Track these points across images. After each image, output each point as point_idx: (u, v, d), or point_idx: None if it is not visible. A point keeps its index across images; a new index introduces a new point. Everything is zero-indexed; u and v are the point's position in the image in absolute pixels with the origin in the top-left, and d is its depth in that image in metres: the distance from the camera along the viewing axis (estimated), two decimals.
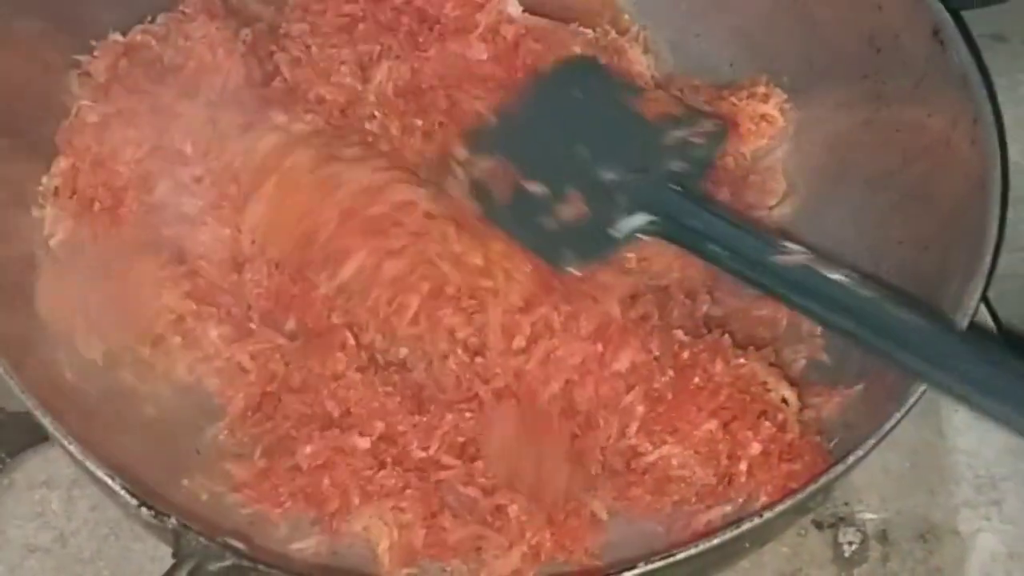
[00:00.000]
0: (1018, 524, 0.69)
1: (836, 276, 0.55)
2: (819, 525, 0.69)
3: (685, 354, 0.62)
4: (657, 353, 0.62)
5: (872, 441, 0.56)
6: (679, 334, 0.63)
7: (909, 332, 0.54)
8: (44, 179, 0.68)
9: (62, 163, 0.67)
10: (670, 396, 0.61)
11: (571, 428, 0.62)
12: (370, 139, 0.69)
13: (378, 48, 0.71)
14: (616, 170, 0.60)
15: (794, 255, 0.55)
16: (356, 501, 0.61)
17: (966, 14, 0.70)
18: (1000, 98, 0.67)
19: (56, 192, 0.67)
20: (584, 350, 0.62)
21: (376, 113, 0.70)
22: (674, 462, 0.61)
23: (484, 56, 0.71)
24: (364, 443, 0.61)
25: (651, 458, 0.62)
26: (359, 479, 0.61)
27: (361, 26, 0.72)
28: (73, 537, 0.66)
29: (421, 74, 0.71)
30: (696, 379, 0.61)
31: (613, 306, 0.63)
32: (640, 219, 0.60)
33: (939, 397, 0.71)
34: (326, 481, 0.61)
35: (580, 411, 0.63)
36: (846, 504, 0.70)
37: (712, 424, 0.61)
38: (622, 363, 0.62)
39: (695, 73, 0.78)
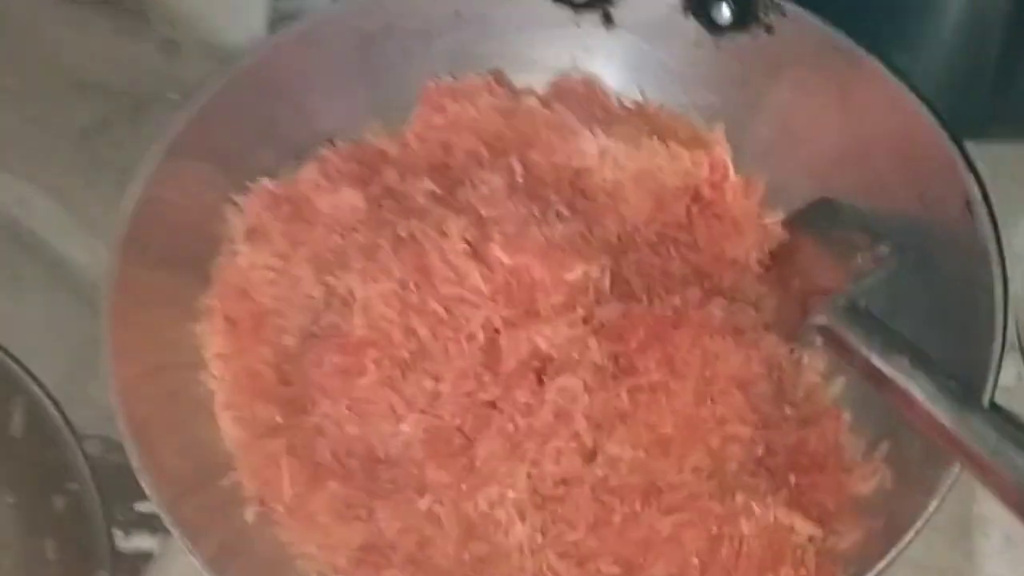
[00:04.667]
0: None
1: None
2: None
3: (713, 528, 0.63)
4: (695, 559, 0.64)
5: (881, 564, 0.61)
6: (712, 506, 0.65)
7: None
8: (201, 299, 0.81)
9: (215, 289, 0.81)
10: None
11: None
12: None
13: None
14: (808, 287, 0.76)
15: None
16: None
17: None
18: None
19: (209, 312, 0.81)
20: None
21: None
22: None
23: None
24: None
25: None
26: None
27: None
28: None
29: None
30: (724, 549, 0.63)
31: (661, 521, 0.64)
32: (818, 320, 0.73)
33: (970, 519, 0.74)
34: None
35: None
36: None
37: None
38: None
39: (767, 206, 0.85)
